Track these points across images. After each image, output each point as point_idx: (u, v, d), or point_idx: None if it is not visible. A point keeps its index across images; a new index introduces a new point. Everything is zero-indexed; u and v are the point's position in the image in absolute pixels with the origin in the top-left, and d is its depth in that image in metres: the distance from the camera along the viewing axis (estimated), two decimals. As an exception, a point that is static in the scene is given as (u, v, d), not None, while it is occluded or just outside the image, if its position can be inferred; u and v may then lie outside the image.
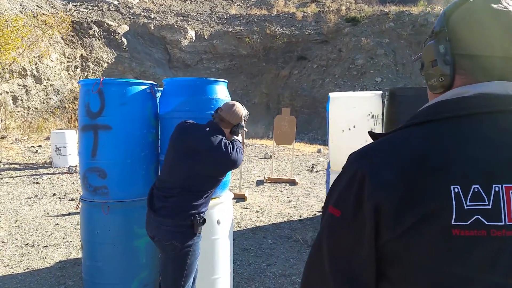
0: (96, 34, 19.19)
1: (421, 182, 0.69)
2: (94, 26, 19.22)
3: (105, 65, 19.39)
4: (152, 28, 20.66)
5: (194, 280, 2.44)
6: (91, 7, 20.82)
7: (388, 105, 4.45)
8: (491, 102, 0.74)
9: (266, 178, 7.75)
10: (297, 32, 21.93)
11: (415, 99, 3.94)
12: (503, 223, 0.67)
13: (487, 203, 0.67)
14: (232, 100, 2.66)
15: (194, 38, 21.55)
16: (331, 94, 4.51)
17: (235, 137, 2.52)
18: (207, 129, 2.39)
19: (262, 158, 10.33)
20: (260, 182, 7.68)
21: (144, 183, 3.05)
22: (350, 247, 0.75)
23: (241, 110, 2.50)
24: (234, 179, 7.44)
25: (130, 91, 3.09)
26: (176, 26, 20.92)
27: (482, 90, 0.75)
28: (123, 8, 21.48)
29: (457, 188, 0.68)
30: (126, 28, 20.04)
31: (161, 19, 21.45)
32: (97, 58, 19.06)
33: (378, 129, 4.33)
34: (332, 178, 4.46)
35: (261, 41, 21.51)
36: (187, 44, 21.43)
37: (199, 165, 2.29)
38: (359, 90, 18.25)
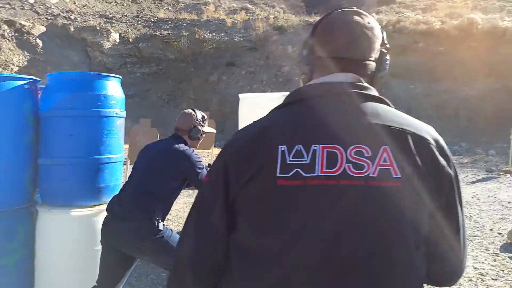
0: (6, 34, 17.93)
1: (260, 146, 0.90)
2: (4, 25, 17.95)
3: (16, 68, 18.15)
4: (72, 29, 19.72)
5: None
6: (1, 5, 19.42)
7: None
8: (323, 88, 0.97)
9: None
10: (226, 38, 22.02)
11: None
12: (315, 174, 0.85)
13: (305, 159, 0.86)
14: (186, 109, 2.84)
15: (118, 41, 20.88)
16: (240, 95, 4.56)
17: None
18: (167, 141, 2.66)
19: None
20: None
21: (14, 190, 2.78)
22: (210, 203, 0.94)
23: (192, 114, 2.68)
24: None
25: (2, 86, 2.87)
26: (98, 28, 20.14)
27: (322, 80, 0.99)
28: (39, 7, 20.29)
29: (284, 147, 0.87)
30: (43, 29, 18.95)
31: (83, 20, 20.55)
32: (6, 60, 17.79)
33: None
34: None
35: (190, 46, 21.32)
36: (109, 47, 20.68)
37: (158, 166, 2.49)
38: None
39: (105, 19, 21.35)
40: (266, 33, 21.09)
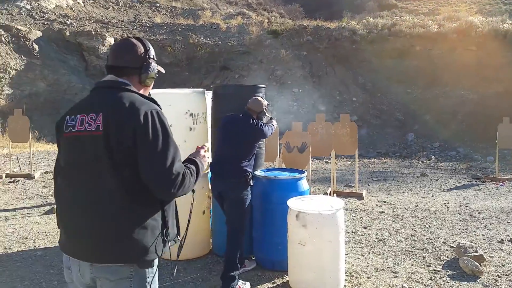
0: (3, 39, 18.04)
1: (62, 118, 1.74)
2: (1, 30, 18.08)
3: (13, 72, 18.25)
4: (68, 34, 19.77)
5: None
6: (-3, 10, 19.57)
7: (212, 102, 4.33)
8: (97, 83, 1.75)
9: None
10: (220, 42, 21.87)
11: (234, 95, 3.83)
12: (75, 130, 1.63)
13: (73, 122, 1.64)
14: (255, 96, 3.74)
15: (113, 45, 20.87)
16: (151, 91, 4.25)
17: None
18: (241, 115, 3.57)
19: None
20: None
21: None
22: None
23: (262, 101, 3.65)
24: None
25: None
26: (93, 32, 20.14)
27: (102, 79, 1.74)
28: (36, 13, 20.42)
29: (69, 116, 1.66)
30: (39, 33, 19.03)
31: (78, 25, 20.61)
32: (3, 64, 17.88)
33: (200, 128, 4.13)
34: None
35: (184, 50, 21.20)
36: (105, 51, 20.65)
37: (240, 137, 3.46)
38: (278, 101, 18.39)
39: (101, 24, 21.37)
40: (260, 37, 20.86)
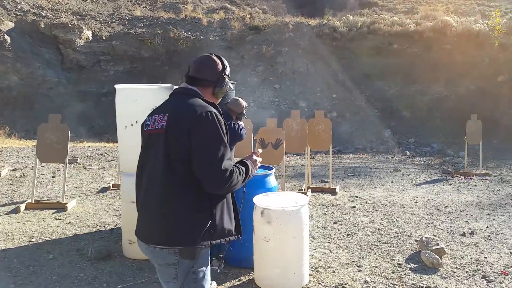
0: (-28, 30, 17.59)
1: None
2: (-29, 21, 17.61)
3: (-18, 64, 17.77)
4: (43, 26, 19.34)
5: None
6: (-33, 0, 19.06)
7: None
8: (175, 89, 2.03)
9: (111, 185, 7.34)
10: (201, 37, 21.74)
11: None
12: (149, 128, 1.90)
13: (150, 122, 1.93)
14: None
15: (91, 38, 20.52)
16: (116, 86, 4.23)
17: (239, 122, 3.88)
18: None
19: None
20: (103, 190, 7.24)
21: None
22: None
23: (243, 103, 3.78)
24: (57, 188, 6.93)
25: None
26: (70, 25, 19.77)
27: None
28: (8, 3, 19.91)
29: (148, 117, 1.97)
30: (11, 25, 18.56)
31: (54, 17, 20.19)
32: (-28, 56, 17.44)
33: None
34: (124, 181, 4.19)
35: (164, 44, 21.02)
36: (82, 44, 20.33)
37: None
38: (259, 97, 18.46)
39: (78, 17, 20.99)
40: (241, 32, 20.82)
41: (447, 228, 5.12)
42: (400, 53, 19.54)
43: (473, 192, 7.22)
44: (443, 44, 18.79)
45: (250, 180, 3.88)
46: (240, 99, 3.75)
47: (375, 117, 16.87)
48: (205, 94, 1.97)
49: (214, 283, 3.51)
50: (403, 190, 7.40)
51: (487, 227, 5.18)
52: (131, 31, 20.99)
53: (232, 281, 3.64)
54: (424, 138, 15.53)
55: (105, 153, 11.26)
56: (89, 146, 12.39)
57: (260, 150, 2.24)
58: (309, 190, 7.04)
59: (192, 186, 1.77)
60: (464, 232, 4.92)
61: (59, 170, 8.69)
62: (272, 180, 4.00)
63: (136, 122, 3.99)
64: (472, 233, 4.89)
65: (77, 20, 20.41)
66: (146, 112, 4.06)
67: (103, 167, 9.41)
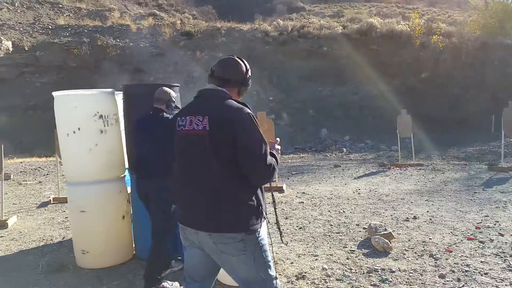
0: None
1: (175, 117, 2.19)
2: None
3: None
4: (-45, 36, 17.82)
5: None
6: None
7: (124, 103, 4.21)
8: (200, 91, 2.14)
9: (51, 199, 6.93)
10: (131, 44, 21.17)
11: (147, 95, 3.73)
12: (185, 129, 2.05)
13: (184, 122, 2.07)
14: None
15: (11, 49, 19.22)
16: (54, 93, 4.01)
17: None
18: (151, 112, 3.46)
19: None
20: (44, 204, 6.82)
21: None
22: None
23: (169, 90, 3.58)
24: None
25: None
26: (-13, 35, 18.40)
27: (204, 87, 2.15)
28: None
29: (179, 117, 2.12)
30: None
31: (-32, 27, 18.69)
32: None
33: (112, 130, 3.96)
34: (71, 191, 3.98)
35: (92, 53, 20.21)
36: (2, 56, 18.99)
37: (156, 135, 3.34)
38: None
39: (-5, 26, 19.57)
40: (173, 38, 20.58)
41: (391, 215, 5.42)
42: (330, 55, 20.36)
43: (410, 181, 7.70)
44: (370, 45, 19.87)
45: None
46: (165, 87, 3.59)
47: (311, 117, 17.41)
48: (232, 94, 2.11)
49: (176, 283, 3.44)
50: (345, 184, 7.71)
51: (428, 211, 5.55)
52: (55, 40, 19.97)
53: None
54: (358, 135, 16.27)
55: (39, 167, 10.59)
56: (21, 162, 11.60)
57: (278, 139, 2.49)
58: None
59: (242, 179, 1.98)
60: (407, 218, 5.24)
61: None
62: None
63: (79, 129, 3.81)
64: (414, 217, 5.22)
65: (-6, 30, 19.05)
66: (88, 119, 3.95)
67: (40, 182, 8.87)
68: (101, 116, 3.87)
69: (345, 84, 19.84)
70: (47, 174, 9.82)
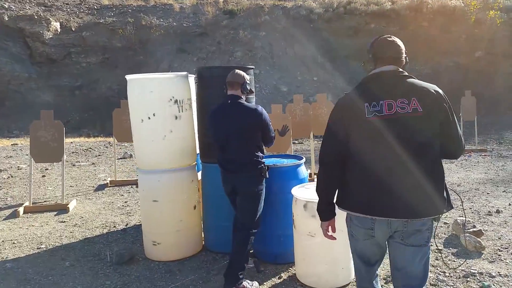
0: None
1: (354, 105, 1.98)
2: None
3: None
4: (6, 19, 18.25)
5: None
6: None
7: (197, 87, 3.99)
8: (380, 73, 2.02)
9: (108, 182, 6.93)
10: (174, 24, 21.08)
11: (222, 78, 3.50)
12: (383, 113, 1.91)
13: (378, 108, 1.93)
14: None
15: (59, 30, 19.56)
16: (127, 77, 3.85)
17: None
18: (229, 101, 3.23)
19: (121, 158, 9.42)
20: (101, 187, 6.83)
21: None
22: (337, 131, 2.03)
23: (241, 72, 3.30)
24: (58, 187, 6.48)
25: None
26: (36, 17, 18.75)
27: (378, 70, 2.03)
28: (-33, -5, 18.71)
29: (367, 104, 1.94)
30: (-28, 18, 17.45)
31: (18, 9, 19.09)
32: None
33: (186, 116, 3.77)
34: (142, 179, 3.85)
35: (137, 33, 20.26)
36: (51, 36, 19.37)
37: (243, 126, 3.17)
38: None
39: (43, 8, 19.92)
40: (216, 17, 20.28)
41: (470, 208, 5.03)
42: (377, 33, 19.49)
43: (479, 169, 7.20)
44: (420, 22, 18.86)
45: (282, 171, 3.65)
46: (236, 70, 3.30)
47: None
48: None
49: (256, 283, 3.26)
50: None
51: (510, 204, 5.12)
52: (101, 21, 20.13)
53: (273, 279, 3.40)
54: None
55: (90, 148, 10.73)
56: (71, 142, 11.78)
57: None
58: (315, 176, 6.85)
59: (439, 159, 2.00)
60: (489, 211, 4.83)
61: (47, 169, 8.18)
62: (303, 170, 3.76)
63: (154, 115, 3.64)
64: (497, 211, 4.81)
65: (43, 12, 19.38)
66: (164, 104, 3.78)
67: (93, 163, 8.94)
68: (176, 101, 3.68)
69: (394, 63, 18.97)
70: (99, 155, 9.91)
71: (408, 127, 1.90)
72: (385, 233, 2.01)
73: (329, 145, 2.08)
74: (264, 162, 3.21)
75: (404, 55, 2.05)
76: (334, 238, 2.34)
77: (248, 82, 3.26)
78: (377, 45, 2.05)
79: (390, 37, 2.08)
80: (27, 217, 5.28)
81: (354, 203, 2.06)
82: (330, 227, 2.31)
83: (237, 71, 3.27)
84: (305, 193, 3.28)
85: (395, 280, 2.16)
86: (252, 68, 4.03)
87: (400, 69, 2.02)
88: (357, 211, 2.05)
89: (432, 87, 1.97)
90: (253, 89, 3.77)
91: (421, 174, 1.90)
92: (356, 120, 1.96)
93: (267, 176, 3.23)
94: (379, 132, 1.91)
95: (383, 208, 1.95)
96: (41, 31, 18.80)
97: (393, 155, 1.90)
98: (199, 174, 4.15)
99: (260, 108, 3.19)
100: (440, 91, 1.96)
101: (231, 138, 3.14)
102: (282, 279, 3.39)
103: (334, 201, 2.19)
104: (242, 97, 3.22)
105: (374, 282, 2.25)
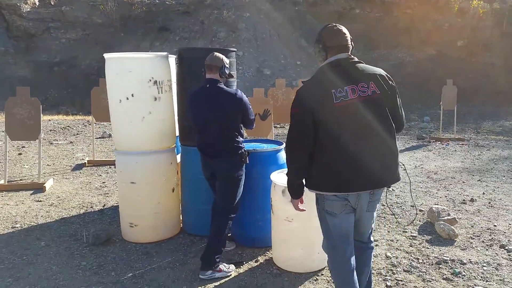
0: None
1: (321, 94, 2.12)
2: None
3: None
4: (-20, -11, 17.55)
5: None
6: None
7: (178, 67, 3.91)
8: (337, 61, 2.18)
9: (86, 162, 6.82)
10: (157, 1, 20.62)
11: (203, 60, 3.42)
12: (349, 98, 2.09)
13: (344, 93, 2.09)
14: None
15: (37, 3, 18.92)
16: (106, 55, 3.74)
17: None
18: (207, 86, 3.19)
19: (100, 138, 9.26)
20: (79, 167, 6.72)
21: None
22: (304, 120, 2.12)
23: (220, 55, 3.21)
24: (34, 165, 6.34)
25: None
26: (12, -12, 18.09)
27: (334, 58, 2.19)
28: None
29: (334, 90, 2.10)
30: None
31: (-7, -21, 18.35)
32: None
33: (166, 98, 3.71)
34: (120, 160, 3.79)
35: (118, 9, 19.77)
36: (28, 10, 18.74)
37: (222, 111, 3.14)
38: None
39: (20, -21, 19.17)
40: (201, -4, 19.93)
41: (445, 196, 5.14)
42: (361, 18, 19.49)
43: (456, 158, 7.35)
44: (404, 9, 18.93)
45: (261, 156, 3.63)
46: (215, 52, 3.20)
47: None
48: None
49: (232, 266, 3.27)
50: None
51: (483, 193, 5.25)
52: (81, -5, 19.55)
53: (250, 262, 3.41)
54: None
55: (68, 126, 10.51)
56: (49, 120, 11.52)
57: None
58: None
59: (394, 134, 2.21)
60: (464, 200, 4.95)
61: (24, 147, 8.00)
62: (283, 156, 3.75)
63: (132, 95, 3.56)
64: (472, 200, 4.93)
65: (20, -17, 18.67)
66: (143, 84, 3.70)
67: (71, 142, 8.78)
68: (155, 82, 3.60)
69: (376, 49, 19.07)
70: (77, 134, 9.74)
71: (371, 108, 2.10)
72: (355, 203, 2.23)
73: (296, 134, 2.18)
74: (244, 148, 3.19)
75: (350, 41, 2.22)
76: (304, 210, 2.53)
77: (227, 66, 3.18)
78: (325, 35, 2.20)
79: (336, 26, 2.24)
80: (2, 196, 5.16)
81: (328, 184, 2.21)
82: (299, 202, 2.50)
83: (216, 54, 3.19)
84: (284, 178, 3.28)
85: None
86: (234, 51, 3.95)
87: (351, 55, 2.21)
88: (333, 191, 2.22)
89: (380, 70, 2.21)
90: (234, 73, 3.72)
91: (386, 150, 2.15)
92: (325, 107, 2.10)
93: (247, 161, 3.21)
94: (347, 116, 2.10)
95: (356, 185, 2.16)
96: (18, 4, 18.16)
97: (361, 136, 2.11)
98: (178, 156, 4.11)
99: (239, 92, 3.15)
100: (385, 73, 2.22)
101: (210, 123, 3.09)
102: (259, 263, 3.41)
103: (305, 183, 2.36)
104: (220, 81, 3.16)
105: (352, 259, 2.36)
